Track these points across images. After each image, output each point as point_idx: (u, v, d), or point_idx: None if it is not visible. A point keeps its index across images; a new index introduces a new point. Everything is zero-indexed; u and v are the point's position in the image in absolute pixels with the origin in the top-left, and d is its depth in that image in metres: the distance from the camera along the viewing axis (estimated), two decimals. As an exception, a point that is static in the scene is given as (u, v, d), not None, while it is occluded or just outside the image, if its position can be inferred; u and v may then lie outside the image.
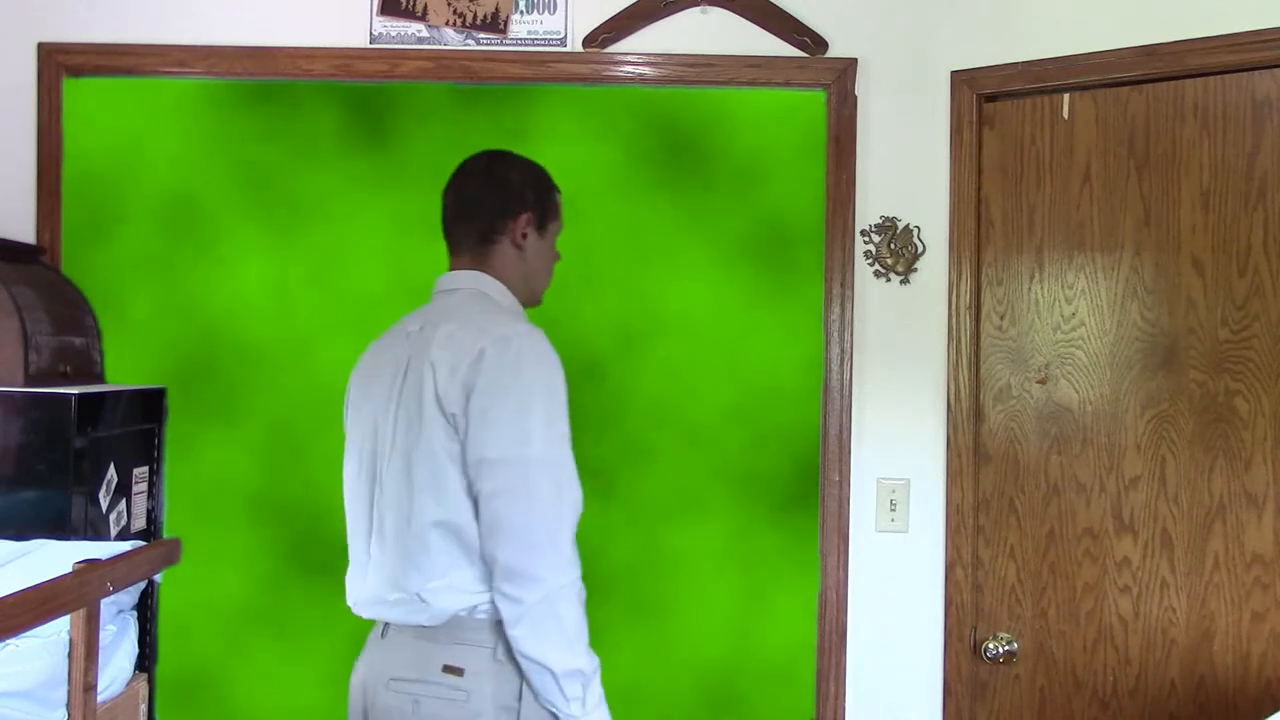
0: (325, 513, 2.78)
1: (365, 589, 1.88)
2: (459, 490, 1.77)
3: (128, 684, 2.17)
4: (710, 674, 2.93)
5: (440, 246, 2.00)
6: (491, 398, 1.74)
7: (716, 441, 2.90)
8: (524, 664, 1.73)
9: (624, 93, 2.80)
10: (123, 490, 2.47)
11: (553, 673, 1.72)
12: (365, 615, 1.89)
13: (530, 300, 2.01)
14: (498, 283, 1.94)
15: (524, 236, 1.96)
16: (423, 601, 1.78)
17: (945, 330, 2.52)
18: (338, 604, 1.95)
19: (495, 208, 1.95)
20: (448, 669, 1.76)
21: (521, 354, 1.77)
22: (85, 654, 1.78)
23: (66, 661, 1.81)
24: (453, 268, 1.98)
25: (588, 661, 1.75)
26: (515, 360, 1.76)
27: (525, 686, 1.76)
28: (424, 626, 1.79)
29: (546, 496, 1.74)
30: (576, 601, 1.75)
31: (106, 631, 2.05)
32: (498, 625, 1.77)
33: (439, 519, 1.78)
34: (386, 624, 1.86)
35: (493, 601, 1.76)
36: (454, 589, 1.77)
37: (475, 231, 1.95)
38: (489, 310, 1.88)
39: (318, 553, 2.87)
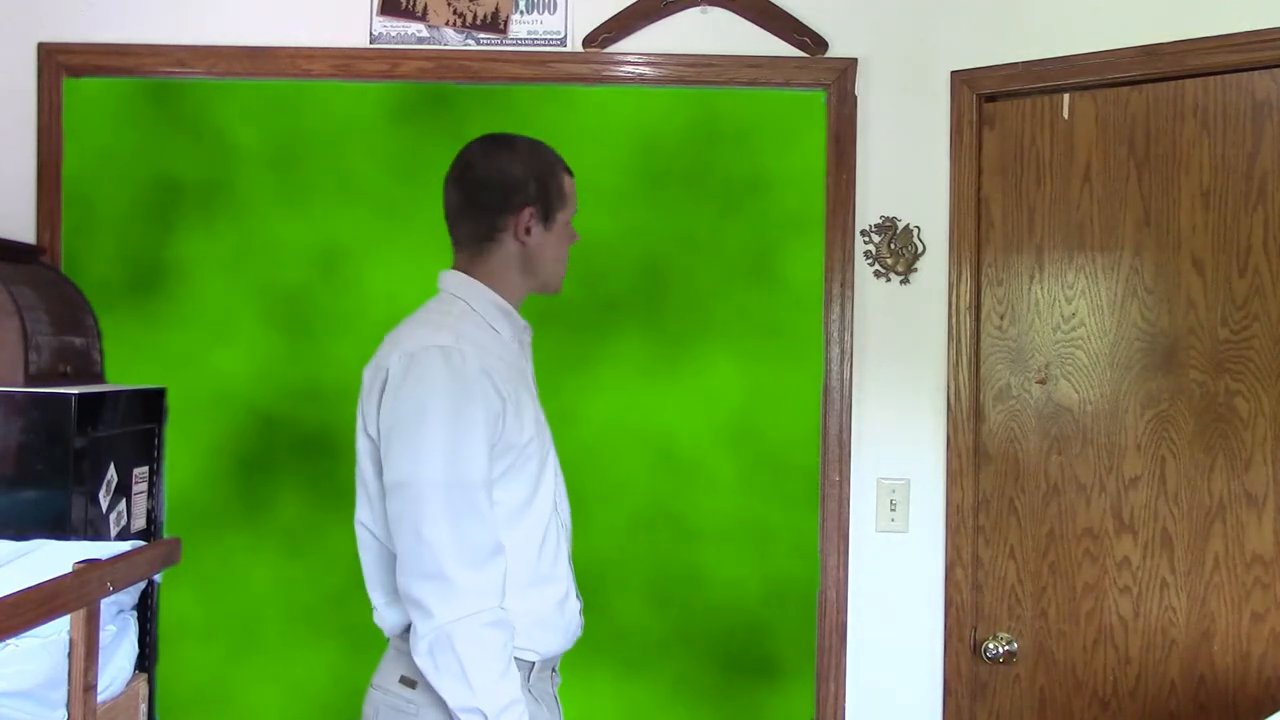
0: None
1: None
2: (393, 499, 1.72)
3: (128, 684, 2.17)
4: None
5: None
6: (392, 419, 1.69)
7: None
8: None
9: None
10: (123, 490, 2.47)
11: (449, 709, 1.64)
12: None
13: (546, 289, 1.91)
14: (478, 285, 1.84)
15: (527, 232, 1.85)
16: (379, 613, 1.82)
17: (945, 330, 2.52)
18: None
19: (495, 204, 1.83)
20: (403, 680, 1.75)
21: (423, 372, 1.68)
22: (85, 654, 1.78)
23: (66, 661, 1.81)
24: (451, 266, 1.90)
25: (490, 700, 1.61)
26: (416, 380, 1.68)
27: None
28: (393, 636, 1.82)
29: (440, 524, 1.64)
30: (478, 637, 1.62)
31: (106, 631, 2.05)
32: None
33: (378, 535, 1.80)
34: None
35: None
36: (396, 604, 1.78)
37: (474, 229, 1.85)
38: (435, 319, 1.78)
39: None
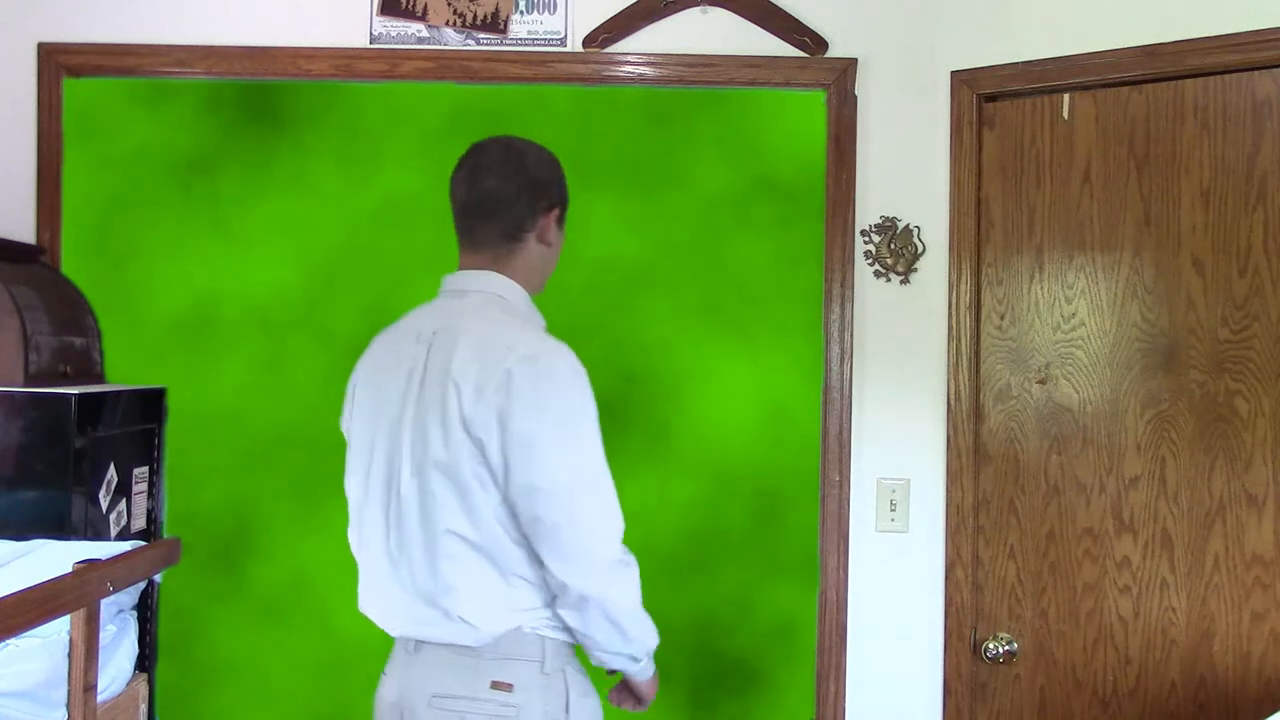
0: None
1: (391, 605, 1.83)
2: (489, 514, 1.73)
3: (128, 684, 2.17)
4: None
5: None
6: (532, 423, 1.70)
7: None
8: None
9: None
10: (123, 490, 2.47)
11: (617, 655, 1.81)
12: (395, 633, 1.85)
13: (538, 289, 1.93)
14: (514, 285, 1.85)
15: (550, 234, 1.88)
16: (469, 625, 1.75)
17: (945, 330, 2.52)
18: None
19: (523, 206, 1.84)
20: (496, 685, 1.74)
21: (553, 374, 1.72)
22: (85, 654, 1.78)
23: (66, 661, 1.81)
24: (465, 265, 1.88)
25: (643, 645, 1.81)
26: (548, 382, 1.71)
27: (570, 698, 1.77)
28: (480, 645, 1.76)
29: (595, 518, 1.74)
30: (632, 602, 1.78)
31: (106, 631, 2.04)
32: (544, 640, 1.77)
33: (474, 541, 1.74)
34: (418, 640, 1.81)
35: (542, 617, 1.76)
36: (498, 612, 1.75)
37: (500, 230, 1.84)
38: (506, 320, 1.80)
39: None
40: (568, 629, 1.78)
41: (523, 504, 1.72)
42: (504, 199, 1.84)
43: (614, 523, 1.77)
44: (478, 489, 1.73)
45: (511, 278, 1.86)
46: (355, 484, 1.90)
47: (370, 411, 1.87)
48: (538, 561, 1.75)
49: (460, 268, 1.89)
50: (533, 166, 1.86)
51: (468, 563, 1.75)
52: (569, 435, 1.73)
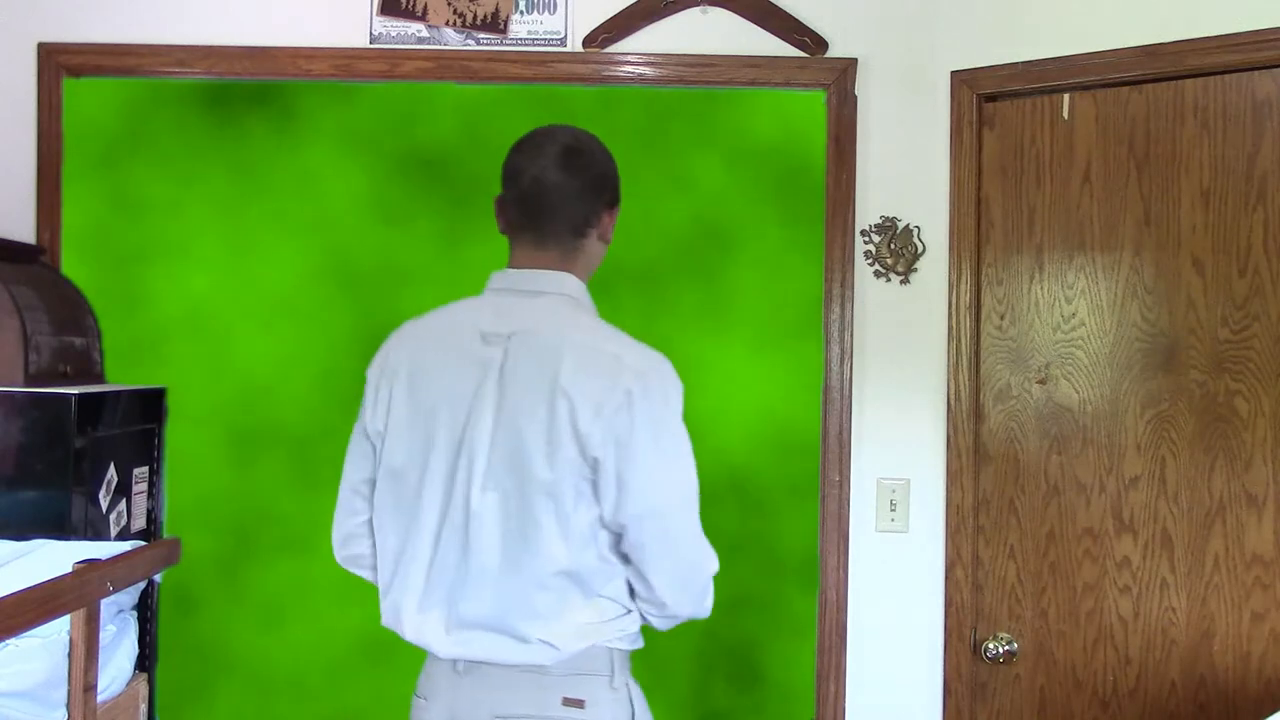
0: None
1: (439, 623, 1.71)
2: (585, 533, 1.67)
3: (128, 684, 2.17)
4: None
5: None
6: (651, 449, 1.65)
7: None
8: None
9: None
10: (123, 490, 2.47)
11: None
12: (445, 655, 1.73)
13: None
14: (582, 285, 1.77)
15: (610, 230, 1.80)
16: (550, 646, 1.68)
17: (945, 330, 2.52)
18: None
19: (590, 201, 1.75)
20: (568, 702, 1.68)
21: (667, 395, 1.68)
22: (85, 654, 1.78)
23: (66, 661, 1.81)
24: (527, 261, 1.76)
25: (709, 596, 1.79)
26: (662, 405, 1.67)
27: (635, 711, 1.74)
28: (555, 664, 1.70)
29: (700, 539, 1.73)
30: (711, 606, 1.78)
31: (106, 631, 2.04)
32: (612, 653, 1.72)
33: (565, 568, 1.66)
34: (472, 660, 1.72)
35: (617, 629, 1.72)
36: (579, 632, 1.68)
37: (569, 225, 1.74)
38: (593, 324, 1.72)
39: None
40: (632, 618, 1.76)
41: (633, 528, 1.66)
42: (573, 193, 1.74)
43: (707, 544, 1.75)
44: (577, 507, 1.65)
45: (578, 276, 1.78)
46: (401, 486, 1.75)
47: (421, 414, 1.73)
48: (626, 578, 1.72)
49: (519, 263, 1.77)
50: (600, 160, 1.78)
51: (556, 586, 1.67)
52: (681, 456, 1.70)
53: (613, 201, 1.81)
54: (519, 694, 1.69)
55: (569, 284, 1.75)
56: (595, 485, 1.66)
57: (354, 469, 1.84)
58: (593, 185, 1.76)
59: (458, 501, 1.69)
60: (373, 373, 1.81)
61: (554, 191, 1.73)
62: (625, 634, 1.74)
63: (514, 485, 1.66)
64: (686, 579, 1.72)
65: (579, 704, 1.68)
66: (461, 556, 1.69)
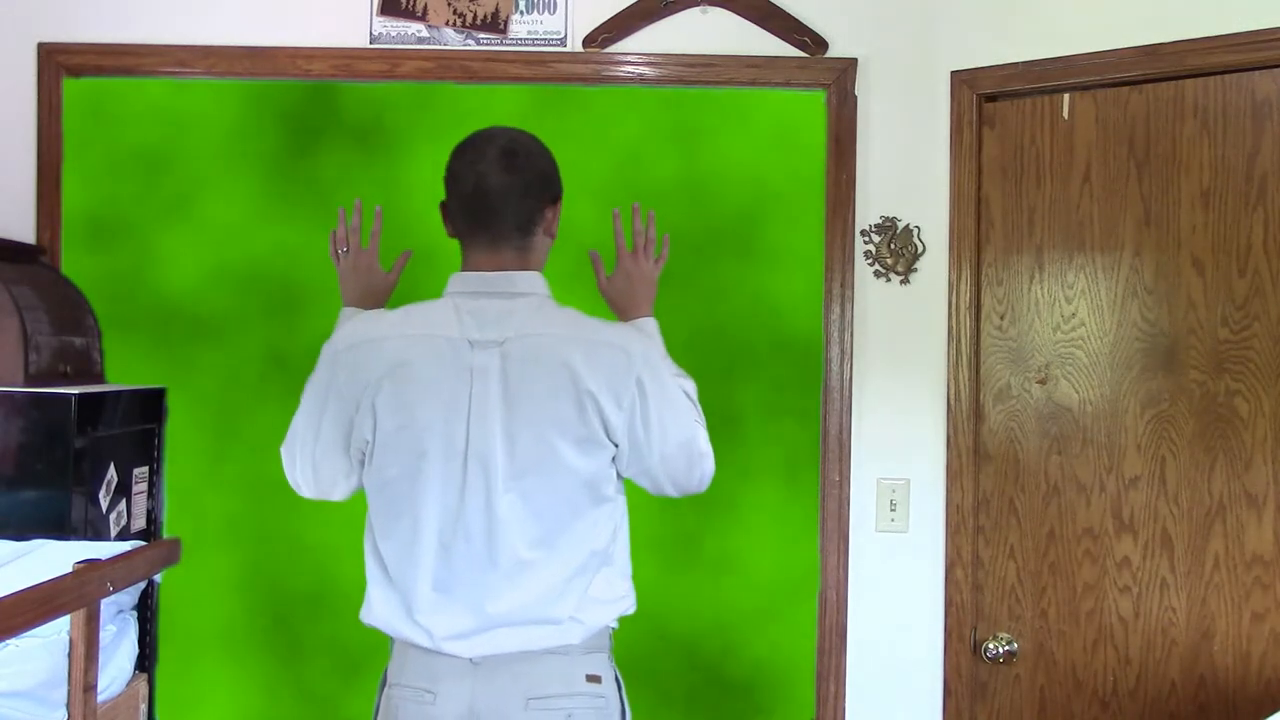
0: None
1: (459, 627, 1.72)
2: (606, 510, 1.79)
3: (128, 684, 2.17)
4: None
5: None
6: (664, 409, 1.79)
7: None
8: None
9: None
10: (123, 490, 2.47)
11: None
12: (469, 655, 1.72)
13: None
14: (545, 281, 1.82)
15: (554, 225, 1.84)
16: (578, 623, 1.75)
17: (945, 330, 2.52)
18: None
19: (533, 199, 1.78)
20: (590, 678, 1.76)
21: (658, 359, 1.83)
22: (85, 654, 1.78)
23: (66, 661, 1.81)
24: (488, 265, 1.78)
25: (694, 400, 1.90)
26: (660, 367, 1.81)
27: (621, 690, 1.82)
28: (579, 641, 1.77)
29: (705, 445, 1.85)
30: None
31: (106, 631, 2.05)
32: (608, 631, 1.83)
33: (599, 547, 1.77)
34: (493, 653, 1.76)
35: (621, 608, 1.83)
36: (600, 604, 1.78)
37: (516, 225, 1.77)
38: (576, 318, 1.78)
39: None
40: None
41: (656, 469, 1.82)
42: (516, 193, 1.77)
43: (707, 445, 1.87)
44: (608, 486, 1.79)
45: (537, 273, 1.84)
46: (388, 501, 1.76)
47: (408, 424, 1.72)
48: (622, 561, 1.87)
49: (478, 265, 1.79)
50: (538, 158, 1.81)
51: (591, 565, 1.77)
52: (682, 398, 1.83)
53: (554, 198, 1.84)
54: (551, 673, 1.74)
55: (540, 283, 1.82)
56: (620, 457, 1.79)
57: (332, 426, 1.79)
58: (534, 184, 1.80)
59: (474, 507, 1.71)
60: (340, 375, 1.77)
61: (496, 193, 1.76)
62: (621, 613, 1.83)
63: (538, 483, 1.73)
64: (695, 479, 1.86)
65: (598, 679, 1.76)
66: (487, 560, 1.72)
